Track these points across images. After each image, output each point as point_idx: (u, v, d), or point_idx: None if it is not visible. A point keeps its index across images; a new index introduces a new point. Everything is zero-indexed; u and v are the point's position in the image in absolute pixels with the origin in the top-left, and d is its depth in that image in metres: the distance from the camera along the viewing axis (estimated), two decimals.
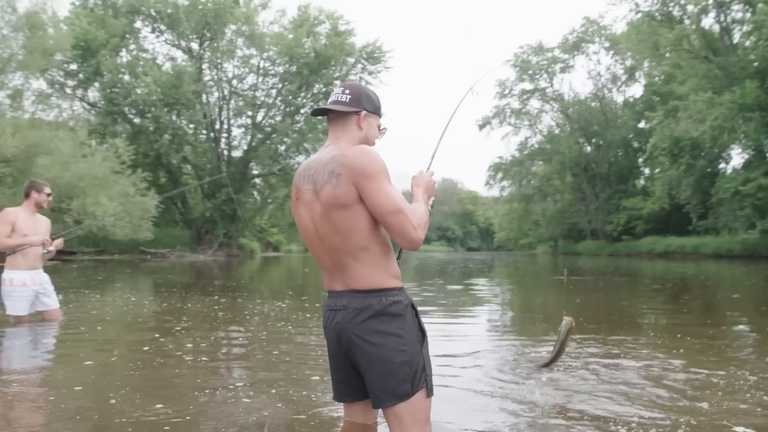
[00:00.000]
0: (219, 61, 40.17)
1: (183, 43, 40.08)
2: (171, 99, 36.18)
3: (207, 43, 39.69)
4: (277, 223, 51.90)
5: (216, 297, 10.57)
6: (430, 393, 2.66)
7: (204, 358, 5.12)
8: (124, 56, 38.17)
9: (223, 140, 42.70)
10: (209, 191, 41.07)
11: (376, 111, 2.88)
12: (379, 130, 2.92)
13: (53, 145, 26.80)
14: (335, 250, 2.66)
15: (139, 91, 35.87)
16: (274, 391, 4.04)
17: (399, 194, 2.62)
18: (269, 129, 41.91)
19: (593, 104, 58.58)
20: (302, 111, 42.09)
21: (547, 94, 59.93)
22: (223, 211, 39.72)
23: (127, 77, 36.58)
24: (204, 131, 41.10)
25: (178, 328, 6.80)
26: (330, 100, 2.87)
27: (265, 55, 40.30)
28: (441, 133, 3.42)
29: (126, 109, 36.75)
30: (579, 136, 57.98)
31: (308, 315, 7.99)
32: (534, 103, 60.98)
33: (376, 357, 2.59)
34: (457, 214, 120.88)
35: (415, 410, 2.60)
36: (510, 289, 13.93)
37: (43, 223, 6.62)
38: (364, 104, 2.82)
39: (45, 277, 6.69)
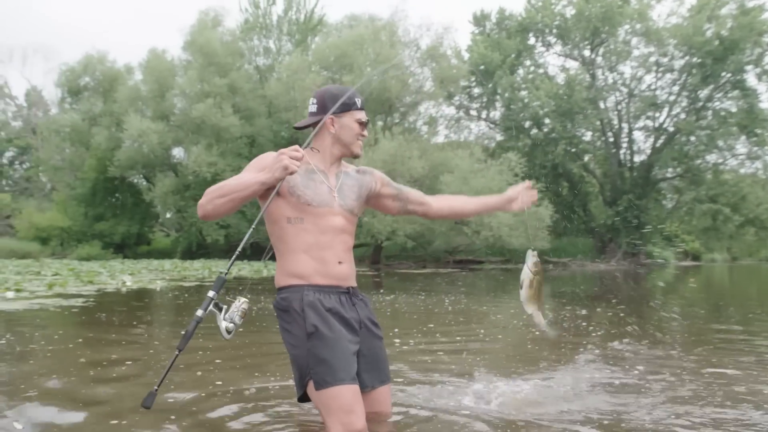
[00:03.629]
0: (613, 63, 39.02)
1: (574, 52, 40.02)
2: (564, 108, 36.28)
3: (599, 48, 38.94)
4: (692, 230, 47.95)
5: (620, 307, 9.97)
6: (317, 386, 2.72)
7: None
8: (520, 73, 39.61)
9: (623, 145, 41.28)
10: (610, 198, 40.13)
11: (344, 109, 2.95)
12: (360, 123, 3.00)
13: (454, 163, 29.06)
14: None
15: (534, 104, 36.65)
16: None
17: (235, 178, 2.77)
18: (672, 129, 39.12)
19: None
20: (708, 105, 38.36)
21: None
22: (625, 218, 38.36)
23: (523, 93, 37.72)
24: (602, 138, 40.31)
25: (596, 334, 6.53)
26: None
27: (662, 50, 37.83)
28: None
29: (523, 123, 37.81)
30: None
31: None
32: None
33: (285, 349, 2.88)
34: None
35: (318, 401, 2.76)
36: None
37: None
38: (329, 107, 2.94)
39: None
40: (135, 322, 7.27)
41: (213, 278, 16.35)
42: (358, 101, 2.98)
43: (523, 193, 3.19)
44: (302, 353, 2.74)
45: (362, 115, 3.00)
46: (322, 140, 2.97)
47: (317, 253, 2.85)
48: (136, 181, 35.98)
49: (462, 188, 27.26)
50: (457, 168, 28.61)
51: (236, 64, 33.41)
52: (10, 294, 10.53)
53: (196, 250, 32.44)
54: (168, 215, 35.52)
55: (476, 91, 39.63)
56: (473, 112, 40.94)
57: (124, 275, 16.26)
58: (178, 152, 34.81)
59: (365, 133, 3.00)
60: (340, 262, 2.91)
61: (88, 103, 35.39)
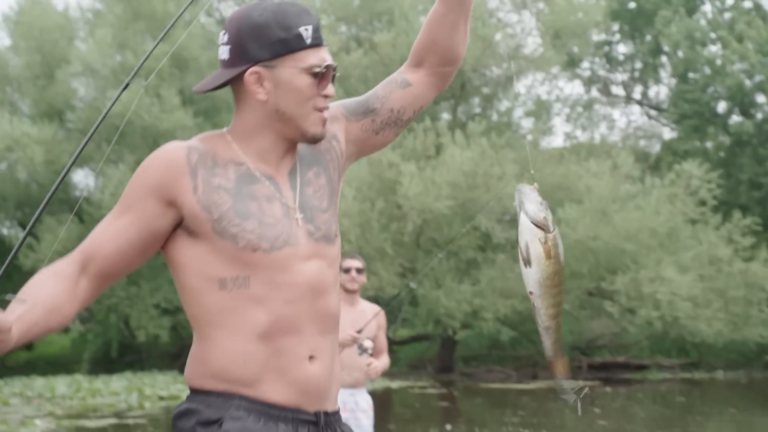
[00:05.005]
0: None
1: None
2: None
3: None
4: None
5: None
6: None
7: None
8: (705, 11, 26.55)
9: None
10: None
11: (280, 50, 1.56)
12: (315, 75, 1.59)
13: (583, 185, 20.11)
14: None
15: (734, 68, 23.40)
16: None
17: (98, 229, 1.60)
18: None
19: None
20: None
21: None
22: None
23: (711, 48, 25.00)
24: None
25: None
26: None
27: None
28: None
29: (714, 106, 25.29)
30: None
31: None
32: None
33: None
34: None
35: None
36: None
37: (366, 314, 4.42)
38: (252, 51, 1.57)
39: (363, 403, 4.50)
40: None
41: (146, 407, 12.99)
42: (307, 31, 1.58)
43: None
44: None
45: (319, 57, 1.60)
46: (248, 116, 1.65)
47: (275, 340, 1.61)
48: (5, 232, 25.51)
49: (598, 231, 19.75)
50: (589, 193, 20.01)
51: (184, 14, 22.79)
52: None
53: (119, 355, 23.32)
54: None
55: (621, 49, 28.15)
56: (617, 90, 29.11)
57: None
58: (82, 178, 24.85)
59: (330, 91, 1.62)
60: (311, 357, 1.64)
61: None
